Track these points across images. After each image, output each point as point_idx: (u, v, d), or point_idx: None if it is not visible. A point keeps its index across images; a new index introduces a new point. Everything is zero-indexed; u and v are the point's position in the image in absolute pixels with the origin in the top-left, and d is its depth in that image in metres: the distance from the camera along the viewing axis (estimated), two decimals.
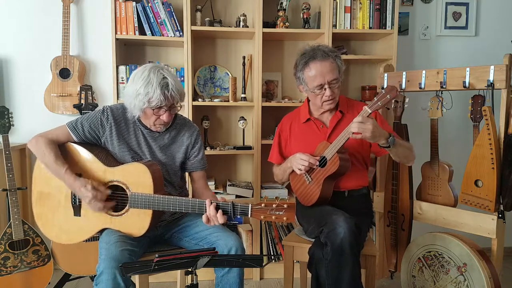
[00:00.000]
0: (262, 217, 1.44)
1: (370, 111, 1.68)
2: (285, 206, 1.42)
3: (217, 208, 1.48)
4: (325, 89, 1.83)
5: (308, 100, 2.03)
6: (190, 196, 1.87)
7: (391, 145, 1.70)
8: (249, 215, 1.45)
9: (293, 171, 1.91)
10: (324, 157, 1.81)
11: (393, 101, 2.33)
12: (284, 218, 1.42)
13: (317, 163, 1.81)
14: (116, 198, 1.61)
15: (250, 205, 1.45)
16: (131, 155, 1.69)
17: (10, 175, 2.12)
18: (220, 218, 1.48)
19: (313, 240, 1.83)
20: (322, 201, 1.86)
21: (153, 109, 1.59)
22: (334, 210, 1.78)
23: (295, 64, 1.92)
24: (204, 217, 1.51)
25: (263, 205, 1.43)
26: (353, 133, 1.66)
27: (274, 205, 1.42)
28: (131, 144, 1.70)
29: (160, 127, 1.68)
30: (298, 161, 1.82)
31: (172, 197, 1.54)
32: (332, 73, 1.82)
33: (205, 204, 1.50)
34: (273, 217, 1.43)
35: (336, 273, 1.62)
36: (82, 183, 1.54)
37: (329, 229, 1.65)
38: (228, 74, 2.76)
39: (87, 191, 1.52)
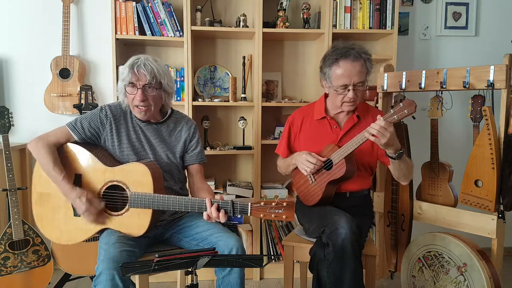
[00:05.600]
0: (261, 215, 1.44)
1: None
2: (284, 204, 1.42)
3: (218, 208, 1.49)
4: (348, 90, 1.76)
5: (325, 97, 1.97)
6: (188, 191, 1.88)
7: (398, 158, 1.70)
8: (249, 214, 1.46)
9: (296, 167, 1.90)
10: (330, 160, 1.78)
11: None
12: (284, 217, 1.42)
13: (323, 165, 1.79)
14: (115, 198, 1.61)
15: (249, 203, 1.46)
16: (132, 151, 1.70)
17: (10, 175, 2.12)
18: (221, 218, 1.49)
19: (313, 240, 1.83)
20: (323, 202, 1.86)
21: (126, 87, 1.64)
22: (336, 210, 1.77)
23: (324, 58, 1.84)
24: (205, 214, 1.52)
25: (262, 203, 1.44)
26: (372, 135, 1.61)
27: (273, 204, 1.43)
28: (131, 139, 1.71)
29: (139, 110, 1.66)
30: (304, 162, 1.78)
31: (172, 196, 1.54)
32: (360, 76, 1.76)
33: (205, 203, 1.50)
34: (273, 215, 1.43)
35: (338, 274, 1.62)
36: (77, 194, 1.55)
37: (330, 229, 1.64)
38: (228, 74, 2.76)
39: (82, 203, 1.54)
